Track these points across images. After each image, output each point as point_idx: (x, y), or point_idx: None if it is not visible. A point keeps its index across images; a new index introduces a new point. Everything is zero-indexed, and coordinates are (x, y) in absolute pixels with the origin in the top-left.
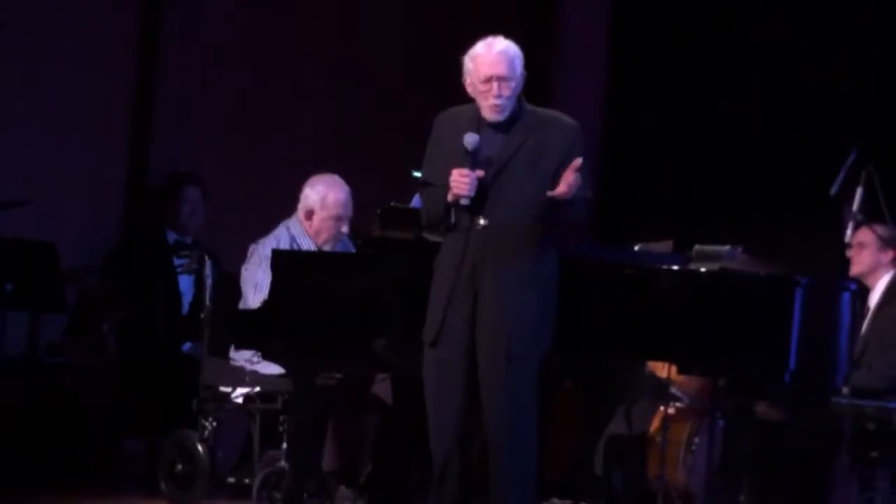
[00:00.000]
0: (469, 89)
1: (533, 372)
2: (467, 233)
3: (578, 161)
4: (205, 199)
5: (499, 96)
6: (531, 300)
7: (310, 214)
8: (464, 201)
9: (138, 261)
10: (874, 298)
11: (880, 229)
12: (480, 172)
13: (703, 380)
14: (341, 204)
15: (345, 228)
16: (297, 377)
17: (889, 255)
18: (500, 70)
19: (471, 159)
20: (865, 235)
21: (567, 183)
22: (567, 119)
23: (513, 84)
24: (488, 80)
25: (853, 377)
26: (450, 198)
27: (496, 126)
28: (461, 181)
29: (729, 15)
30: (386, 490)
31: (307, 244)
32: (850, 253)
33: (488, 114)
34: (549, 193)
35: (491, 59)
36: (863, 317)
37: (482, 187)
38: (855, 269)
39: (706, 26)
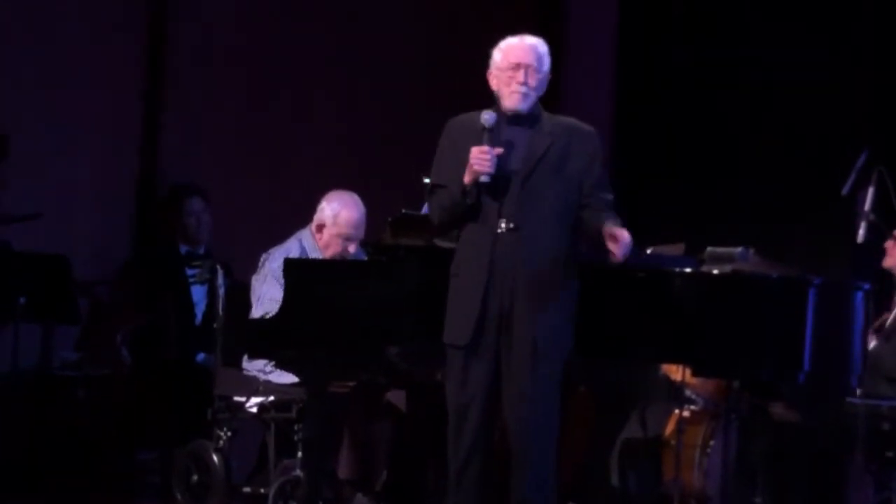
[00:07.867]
0: (493, 82)
1: (557, 376)
2: (494, 234)
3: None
4: (208, 208)
5: (524, 83)
6: (558, 304)
7: (321, 228)
8: (483, 178)
9: (150, 272)
10: None
11: None
12: (499, 150)
13: (717, 382)
14: (352, 224)
15: (352, 248)
16: (311, 385)
17: None
18: (530, 59)
19: (488, 136)
20: None
21: (622, 245)
22: (586, 126)
23: (539, 77)
24: (517, 66)
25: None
26: (467, 178)
27: (517, 123)
28: (481, 157)
29: (737, 15)
30: (402, 497)
31: (318, 257)
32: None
33: (510, 102)
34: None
35: (522, 47)
36: (889, 310)
37: (505, 181)
38: (888, 262)
39: (714, 27)
